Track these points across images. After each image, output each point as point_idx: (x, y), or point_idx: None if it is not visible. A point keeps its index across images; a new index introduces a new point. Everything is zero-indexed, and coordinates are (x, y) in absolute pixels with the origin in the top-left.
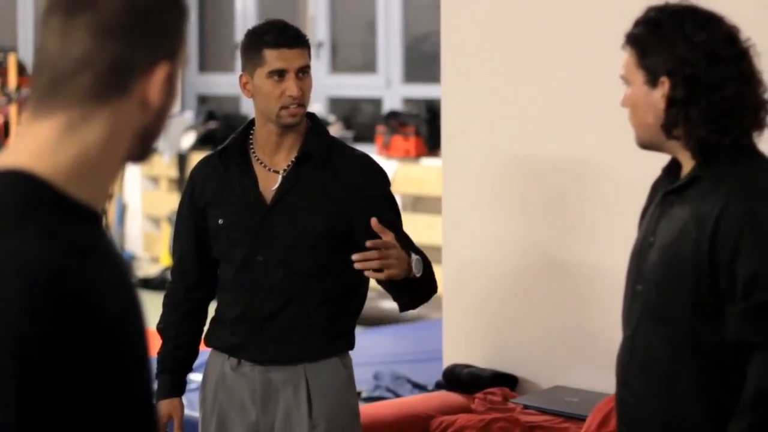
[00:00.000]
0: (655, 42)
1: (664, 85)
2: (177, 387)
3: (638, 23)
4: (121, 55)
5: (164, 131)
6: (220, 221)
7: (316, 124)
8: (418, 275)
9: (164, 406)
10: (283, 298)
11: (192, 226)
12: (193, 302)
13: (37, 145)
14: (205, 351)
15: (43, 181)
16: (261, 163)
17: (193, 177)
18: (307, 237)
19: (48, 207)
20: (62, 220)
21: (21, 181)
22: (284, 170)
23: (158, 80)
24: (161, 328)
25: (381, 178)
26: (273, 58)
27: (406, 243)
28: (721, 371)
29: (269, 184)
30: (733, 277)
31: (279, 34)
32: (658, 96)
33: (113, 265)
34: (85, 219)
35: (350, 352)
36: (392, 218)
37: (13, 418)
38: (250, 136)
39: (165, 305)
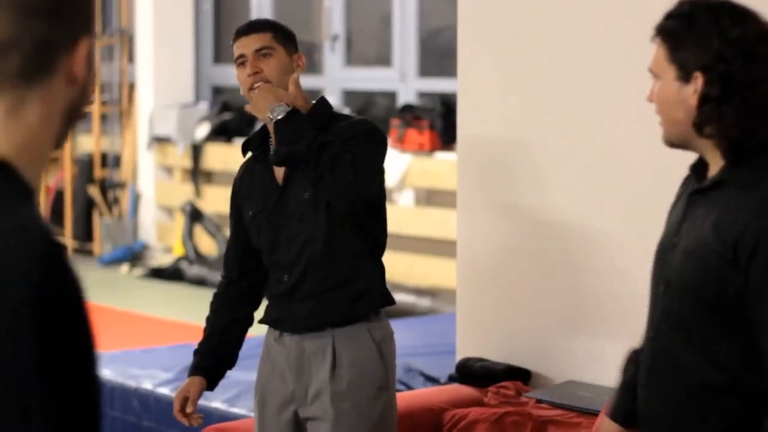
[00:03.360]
0: (690, 37)
1: (698, 82)
2: (201, 368)
3: (670, 16)
4: (44, 35)
5: (85, 109)
6: (250, 212)
7: (317, 104)
8: (270, 116)
9: (185, 383)
10: (301, 268)
11: (233, 225)
12: (231, 295)
13: None
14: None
15: (9, 164)
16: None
17: (234, 181)
18: (311, 205)
19: (23, 189)
20: (32, 204)
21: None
22: None
23: (81, 56)
24: (206, 318)
25: (362, 122)
26: (235, 49)
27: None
28: (740, 384)
29: (282, 169)
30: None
31: (239, 29)
32: (690, 92)
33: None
34: (32, 199)
35: (380, 328)
36: (358, 141)
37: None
38: None
39: (213, 296)
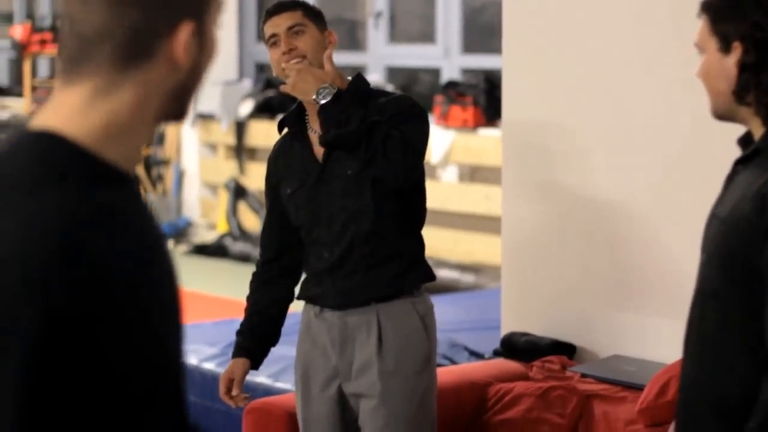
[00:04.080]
0: (728, 8)
1: (737, 51)
2: (244, 349)
3: None
4: (138, 22)
5: (200, 88)
6: (288, 190)
7: (354, 81)
8: (316, 99)
9: (230, 365)
10: (346, 243)
11: (270, 204)
12: (271, 273)
13: (66, 110)
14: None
15: (71, 143)
16: (312, 129)
17: (268, 160)
18: (354, 181)
19: (74, 169)
20: (88, 183)
21: (49, 142)
22: None
23: (182, 40)
24: (246, 298)
25: (404, 98)
26: (266, 30)
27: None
28: (761, 352)
29: (321, 148)
30: None
31: (269, 9)
32: (731, 62)
33: (141, 231)
34: (115, 182)
35: (423, 302)
36: (402, 118)
37: (17, 395)
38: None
39: (252, 276)
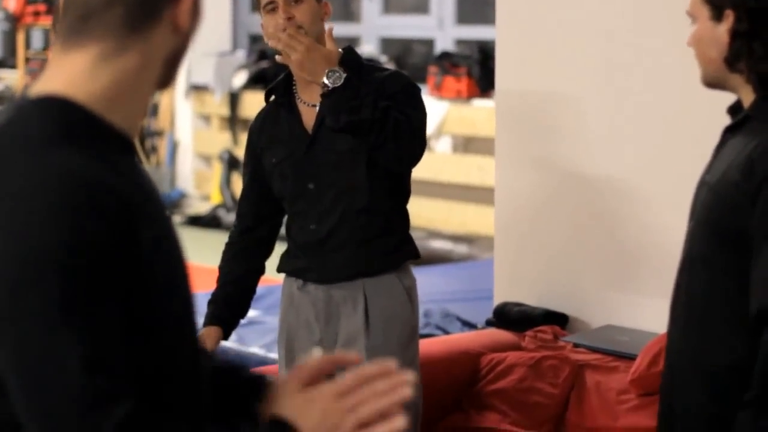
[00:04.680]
0: None
1: (729, 19)
2: (216, 317)
3: None
4: None
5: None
6: (273, 160)
7: (346, 55)
8: (328, 83)
9: (202, 333)
10: (335, 218)
11: (250, 172)
12: (246, 243)
13: (70, 74)
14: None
15: (79, 106)
16: (301, 100)
17: (251, 127)
18: (348, 156)
19: (85, 130)
20: (100, 143)
21: (57, 106)
22: (319, 102)
23: (187, 5)
24: (219, 267)
25: (400, 76)
26: None
27: (399, 113)
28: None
29: (310, 117)
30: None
31: None
32: (723, 30)
33: (149, 193)
34: (120, 147)
35: (408, 276)
36: (403, 100)
37: (63, 325)
38: (295, 77)
39: (225, 246)
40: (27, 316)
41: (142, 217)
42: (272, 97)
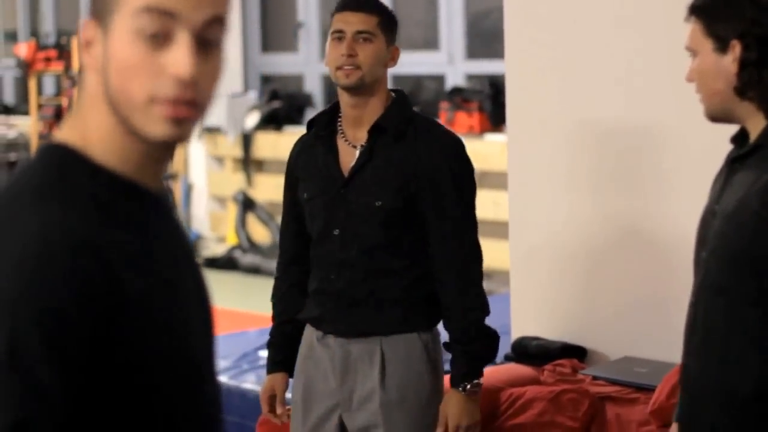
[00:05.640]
0: (723, 8)
1: (735, 49)
2: (280, 362)
3: None
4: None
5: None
6: (305, 195)
7: (398, 98)
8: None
9: (267, 381)
10: (356, 273)
11: (288, 202)
12: (297, 277)
13: (75, 119)
14: None
15: (77, 153)
16: (344, 138)
17: (291, 153)
18: (379, 213)
19: (79, 178)
20: (97, 191)
21: (57, 154)
22: (362, 145)
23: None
24: (272, 303)
25: (453, 156)
26: (335, 20)
27: (456, 237)
28: None
29: (349, 158)
30: None
31: (348, 1)
32: (729, 61)
33: (153, 239)
34: (124, 193)
35: (430, 335)
36: (451, 204)
37: (55, 379)
38: (341, 112)
39: (274, 280)
40: None
41: (132, 267)
42: (312, 129)
